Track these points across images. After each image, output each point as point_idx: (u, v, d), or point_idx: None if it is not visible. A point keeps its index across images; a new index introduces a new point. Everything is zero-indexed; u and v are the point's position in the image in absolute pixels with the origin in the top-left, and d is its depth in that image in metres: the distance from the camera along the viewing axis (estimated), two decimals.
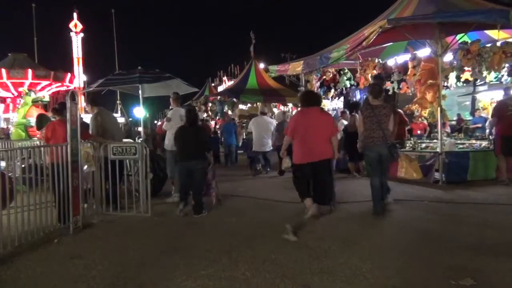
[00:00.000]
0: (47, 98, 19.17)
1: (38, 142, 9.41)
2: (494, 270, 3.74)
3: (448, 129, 12.70)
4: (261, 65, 19.53)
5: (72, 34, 36.29)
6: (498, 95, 13.29)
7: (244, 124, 15.77)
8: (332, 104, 19.62)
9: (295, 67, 12.67)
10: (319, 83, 13.13)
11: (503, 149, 8.40)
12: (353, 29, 10.61)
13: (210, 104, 21.24)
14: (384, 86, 12.11)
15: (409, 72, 9.97)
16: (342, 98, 18.77)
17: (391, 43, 11.01)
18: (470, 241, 4.60)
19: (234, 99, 18.54)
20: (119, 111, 34.34)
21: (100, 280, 3.75)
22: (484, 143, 9.83)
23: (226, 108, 19.60)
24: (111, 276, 3.84)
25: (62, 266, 4.15)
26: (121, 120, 25.62)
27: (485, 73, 9.50)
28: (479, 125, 14.01)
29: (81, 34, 36.92)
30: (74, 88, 24.47)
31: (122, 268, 4.05)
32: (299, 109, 6.63)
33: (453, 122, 15.52)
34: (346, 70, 12.83)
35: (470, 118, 15.52)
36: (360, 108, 6.67)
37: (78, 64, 35.96)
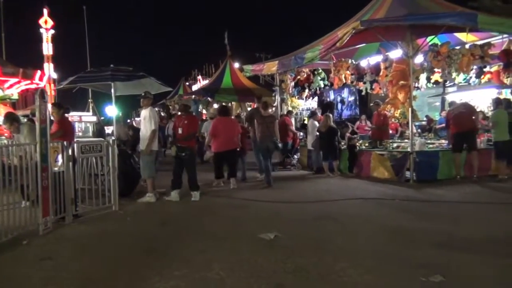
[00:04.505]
0: (15, 96, 18.57)
1: (6, 141, 9.11)
2: (462, 266, 3.85)
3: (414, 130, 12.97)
4: (236, 65, 19.49)
5: (42, 30, 35.25)
6: (467, 96, 13.68)
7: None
8: (306, 104, 19.72)
9: (270, 67, 12.73)
10: (293, 83, 13.23)
11: (455, 147, 8.86)
12: (327, 29, 10.73)
13: None
14: (358, 87, 12.35)
15: (381, 73, 10.15)
16: (316, 98, 18.95)
17: (364, 44, 11.18)
18: (439, 238, 4.72)
19: (209, 98, 18.47)
20: (90, 110, 33.52)
21: (70, 282, 3.66)
22: None
23: (200, 107, 19.47)
24: (82, 278, 3.75)
25: (31, 268, 4.04)
26: (92, 119, 25.08)
27: (454, 74, 9.76)
28: (444, 124, 14.34)
29: (52, 31, 35.91)
30: (44, 86, 23.77)
31: (94, 269, 3.97)
32: (217, 117, 9.41)
33: (424, 123, 15.83)
34: (320, 70, 12.97)
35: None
36: (255, 118, 9.27)
37: (48, 62, 34.98)
